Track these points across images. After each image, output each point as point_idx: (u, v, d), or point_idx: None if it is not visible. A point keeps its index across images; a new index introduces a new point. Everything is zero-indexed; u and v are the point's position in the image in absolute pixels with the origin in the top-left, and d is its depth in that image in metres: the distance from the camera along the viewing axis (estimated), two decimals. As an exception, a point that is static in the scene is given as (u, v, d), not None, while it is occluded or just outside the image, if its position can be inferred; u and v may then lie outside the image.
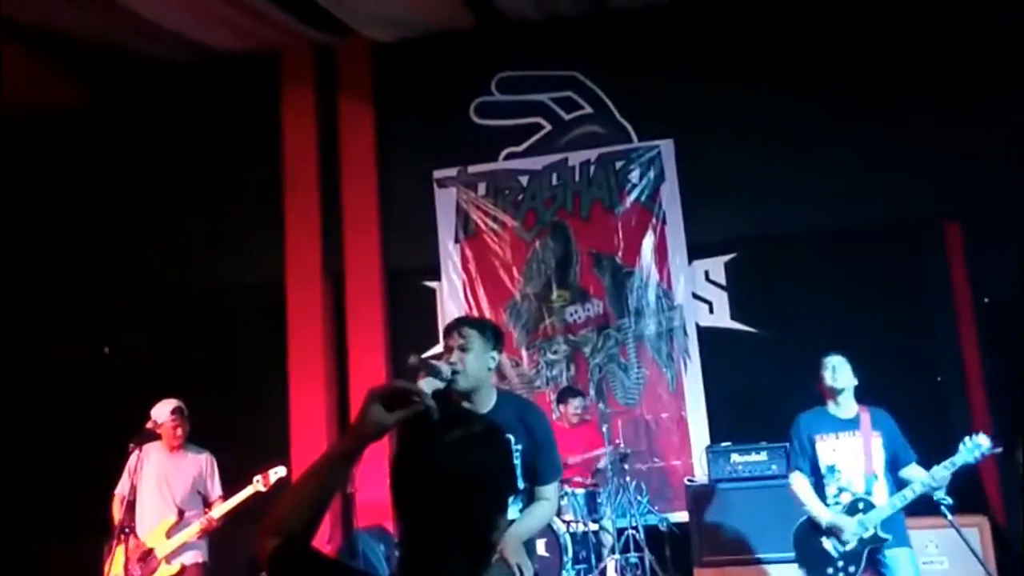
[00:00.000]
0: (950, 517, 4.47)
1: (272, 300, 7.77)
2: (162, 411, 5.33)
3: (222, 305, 8.01)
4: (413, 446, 1.69)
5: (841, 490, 4.68)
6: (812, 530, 4.69)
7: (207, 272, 7.99)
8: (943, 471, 4.45)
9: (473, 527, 1.64)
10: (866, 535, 4.56)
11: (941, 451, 4.62)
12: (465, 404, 3.32)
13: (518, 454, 3.30)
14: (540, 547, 6.02)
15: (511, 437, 3.24)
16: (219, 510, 5.31)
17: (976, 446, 4.46)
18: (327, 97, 8.06)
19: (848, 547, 4.58)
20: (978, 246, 7.14)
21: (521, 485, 3.36)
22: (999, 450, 4.58)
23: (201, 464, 5.46)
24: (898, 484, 4.64)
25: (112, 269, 8.03)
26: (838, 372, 4.78)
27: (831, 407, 4.83)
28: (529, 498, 3.41)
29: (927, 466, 4.60)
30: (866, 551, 4.58)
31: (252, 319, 7.96)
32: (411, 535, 1.65)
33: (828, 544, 4.63)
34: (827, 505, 4.71)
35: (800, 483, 4.79)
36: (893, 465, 4.69)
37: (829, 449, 4.74)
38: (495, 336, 3.40)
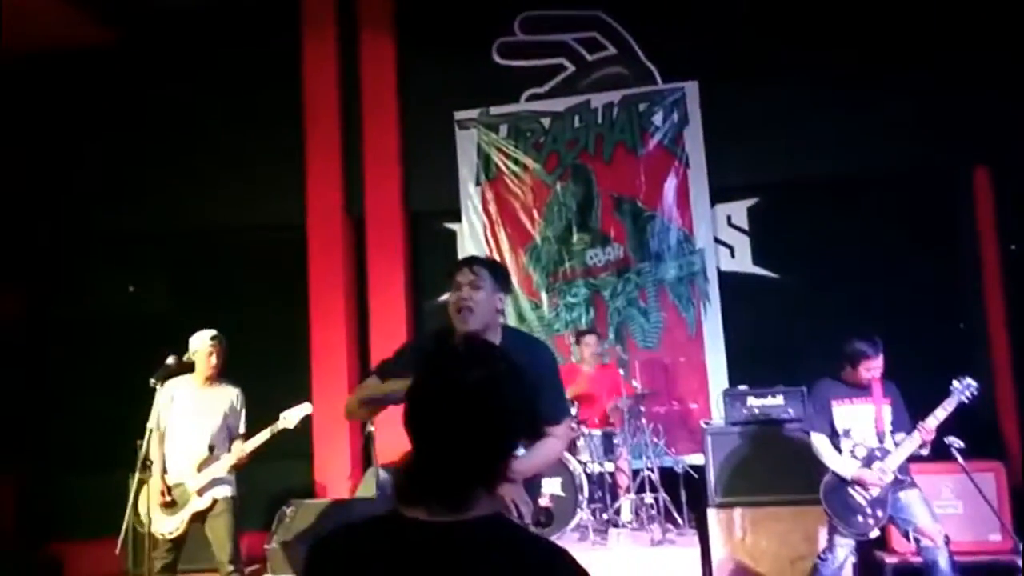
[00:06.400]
0: (961, 460, 4.55)
1: (294, 240, 7.81)
2: (200, 339, 5.36)
3: (245, 244, 8.08)
4: (435, 377, 1.70)
5: (856, 445, 4.92)
6: (839, 483, 4.91)
7: (230, 211, 8.01)
8: (940, 413, 4.69)
9: (482, 460, 1.66)
10: (887, 479, 4.80)
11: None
12: None
13: None
14: (556, 486, 6.13)
15: None
16: (250, 444, 5.35)
17: (967, 386, 4.73)
18: (349, 36, 8.00)
19: (874, 493, 4.80)
20: (1006, 193, 7.02)
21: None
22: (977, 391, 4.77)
23: (232, 398, 5.48)
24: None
25: (136, 208, 8.10)
26: (874, 372, 4.91)
27: (846, 377, 5.01)
28: (535, 437, 3.41)
29: None
30: (889, 495, 4.80)
31: (274, 258, 8.00)
32: (418, 458, 1.67)
33: (855, 494, 4.85)
34: None
35: (822, 442, 4.99)
36: (896, 429, 4.94)
37: (845, 413, 4.98)
38: (504, 279, 3.39)
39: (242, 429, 5.50)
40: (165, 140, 8.14)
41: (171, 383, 5.26)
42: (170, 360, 5.18)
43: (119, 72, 8.27)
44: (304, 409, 5.51)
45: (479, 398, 1.64)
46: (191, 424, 5.35)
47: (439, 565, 1.56)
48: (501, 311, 3.36)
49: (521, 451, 3.31)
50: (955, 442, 4.61)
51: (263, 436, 5.37)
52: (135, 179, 8.14)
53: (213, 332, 5.41)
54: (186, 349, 5.36)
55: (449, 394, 1.65)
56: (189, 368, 5.34)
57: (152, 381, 4.98)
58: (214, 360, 5.39)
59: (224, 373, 5.52)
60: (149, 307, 7.90)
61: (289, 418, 5.45)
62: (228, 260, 8.07)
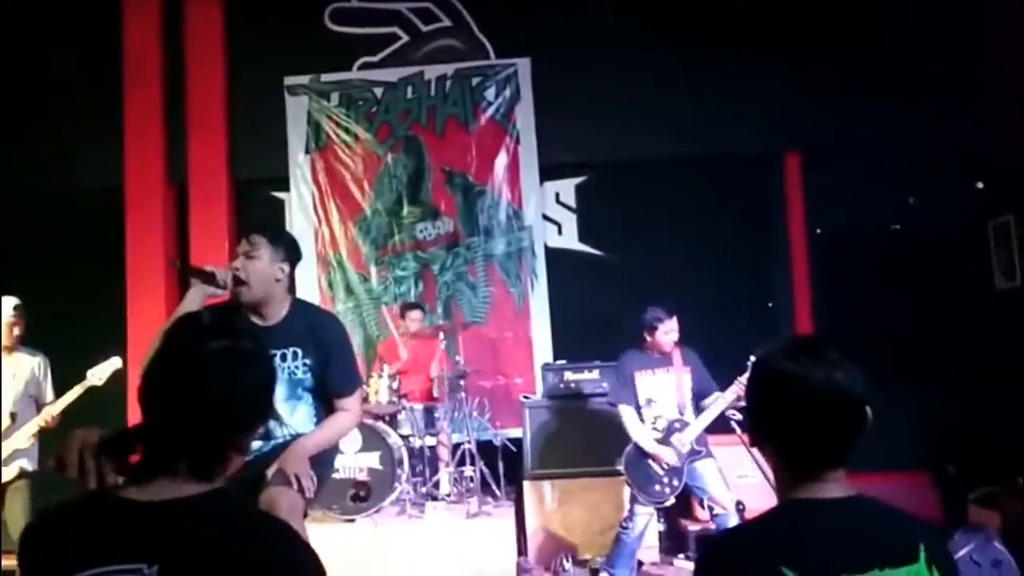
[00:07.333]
0: (739, 431, 4.83)
1: (112, 208, 7.44)
2: (2, 308, 5.08)
3: (61, 209, 7.61)
4: (173, 348, 1.68)
5: (657, 417, 5.18)
6: (640, 454, 5.13)
7: (44, 173, 7.54)
8: (736, 388, 4.91)
9: (211, 439, 1.64)
10: (684, 451, 5.05)
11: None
12: (253, 315, 3.26)
13: (307, 368, 3.24)
14: (374, 460, 6.11)
15: (299, 350, 3.22)
16: (58, 406, 5.11)
17: None
18: (173, -5, 7.65)
19: (671, 465, 5.03)
20: (814, 178, 7.40)
21: (311, 400, 3.32)
22: None
23: (33, 366, 5.23)
24: (700, 411, 5.17)
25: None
26: (671, 336, 5.18)
27: (649, 347, 5.26)
28: (327, 410, 3.38)
29: None
30: (685, 465, 5.06)
31: (92, 223, 7.59)
32: (149, 432, 1.65)
33: (653, 464, 5.09)
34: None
35: (627, 414, 5.20)
36: (699, 396, 5.23)
37: (648, 383, 5.22)
38: (288, 248, 3.31)
39: (49, 398, 5.27)
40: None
41: None
42: None
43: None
44: (113, 364, 5.29)
45: (215, 367, 1.63)
46: None
47: (152, 548, 1.52)
48: (283, 280, 3.29)
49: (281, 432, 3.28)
50: (734, 415, 4.89)
51: (71, 395, 5.14)
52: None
53: (16, 301, 5.15)
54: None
55: (186, 362, 1.64)
56: None
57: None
58: (17, 331, 5.15)
59: (23, 341, 5.26)
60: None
61: (97, 374, 5.23)
62: (41, 223, 7.60)
